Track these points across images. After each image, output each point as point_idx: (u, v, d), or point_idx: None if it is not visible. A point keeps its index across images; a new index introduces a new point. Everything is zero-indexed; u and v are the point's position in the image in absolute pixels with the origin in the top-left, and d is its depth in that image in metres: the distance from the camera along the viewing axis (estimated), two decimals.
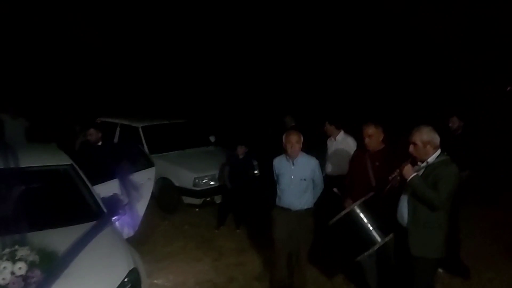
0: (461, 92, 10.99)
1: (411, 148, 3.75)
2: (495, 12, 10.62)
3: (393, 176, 3.84)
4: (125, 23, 15.03)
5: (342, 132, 6.33)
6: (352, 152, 5.50)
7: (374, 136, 4.55)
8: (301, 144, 4.65)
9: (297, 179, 4.63)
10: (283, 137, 4.68)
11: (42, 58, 14.64)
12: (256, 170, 7.52)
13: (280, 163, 4.78)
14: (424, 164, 3.72)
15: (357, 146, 5.80)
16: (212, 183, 7.57)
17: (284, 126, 8.25)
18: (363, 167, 4.63)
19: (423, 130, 3.69)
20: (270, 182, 5.10)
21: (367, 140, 4.57)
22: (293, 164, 4.65)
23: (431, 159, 3.69)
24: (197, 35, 14.89)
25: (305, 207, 4.67)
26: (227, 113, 11.34)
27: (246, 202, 6.79)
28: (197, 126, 9.44)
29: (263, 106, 12.37)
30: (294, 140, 4.57)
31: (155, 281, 5.16)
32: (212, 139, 9.10)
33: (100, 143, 6.07)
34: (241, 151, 6.85)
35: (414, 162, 3.78)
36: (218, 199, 7.60)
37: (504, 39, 10.55)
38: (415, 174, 3.64)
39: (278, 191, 4.79)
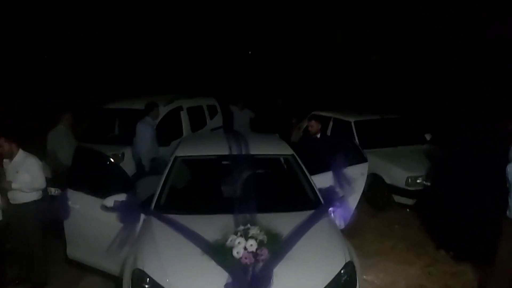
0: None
1: None
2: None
3: None
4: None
5: None
6: None
7: None
8: None
9: None
10: None
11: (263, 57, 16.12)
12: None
13: None
14: None
15: None
16: (426, 183, 7.13)
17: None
18: None
19: None
20: (495, 188, 4.56)
21: None
22: None
23: None
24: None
25: None
26: (446, 110, 10.56)
27: (466, 208, 6.15)
28: (411, 122, 8.98)
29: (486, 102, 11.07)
30: None
31: (364, 277, 5.12)
32: (427, 137, 8.54)
33: (318, 135, 6.32)
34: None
35: None
36: None
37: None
38: None
39: (510, 201, 4.22)
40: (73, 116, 6.81)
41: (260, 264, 3.29)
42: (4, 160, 4.79)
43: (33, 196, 4.78)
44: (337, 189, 4.90)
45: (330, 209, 4.49)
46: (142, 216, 4.23)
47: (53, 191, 6.26)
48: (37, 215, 4.81)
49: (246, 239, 3.39)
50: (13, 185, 4.63)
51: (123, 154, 7.06)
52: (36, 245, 4.88)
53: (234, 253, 3.31)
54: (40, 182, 4.79)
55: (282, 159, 5.18)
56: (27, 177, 4.69)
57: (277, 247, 3.42)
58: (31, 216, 4.78)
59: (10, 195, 4.70)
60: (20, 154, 4.76)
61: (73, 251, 4.93)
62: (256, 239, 3.38)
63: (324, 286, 3.29)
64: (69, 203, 4.72)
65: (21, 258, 5.00)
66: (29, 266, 4.98)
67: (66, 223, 4.81)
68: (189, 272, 3.31)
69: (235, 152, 4.71)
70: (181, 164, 4.83)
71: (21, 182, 4.65)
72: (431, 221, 6.53)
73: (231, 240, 3.40)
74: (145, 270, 3.36)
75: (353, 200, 5.52)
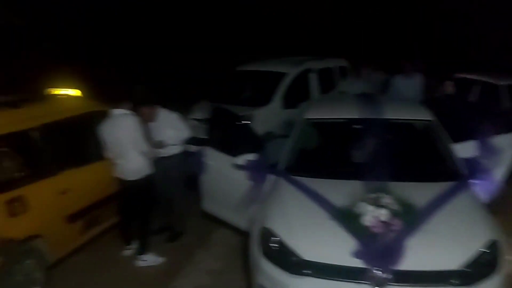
0: None
1: None
2: None
3: None
4: None
5: None
6: None
7: None
8: None
9: None
10: None
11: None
12: None
13: None
14: None
15: None
16: None
17: None
18: None
19: None
20: None
21: None
22: None
23: None
24: None
25: None
26: None
27: None
28: None
29: None
30: None
31: (507, 256, 4.63)
32: None
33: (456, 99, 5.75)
34: None
35: None
36: None
37: None
38: None
39: None
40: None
41: (392, 235, 3.12)
42: None
43: (177, 149, 5.17)
44: (482, 160, 4.41)
45: (472, 181, 4.08)
46: (271, 177, 4.30)
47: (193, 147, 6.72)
48: (180, 168, 5.21)
49: (377, 207, 3.24)
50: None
51: (252, 116, 7.20)
52: (178, 196, 5.30)
53: (364, 220, 3.19)
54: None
55: (419, 124, 4.81)
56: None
57: (411, 218, 3.21)
58: (175, 168, 5.18)
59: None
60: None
61: (207, 205, 5.26)
62: (389, 209, 3.21)
63: (460, 264, 3.02)
64: (205, 159, 5.01)
65: (163, 208, 5.46)
66: (169, 216, 5.45)
67: (202, 178, 5.13)
68: (317, 236, 3.28)
69: (367, 115, 4.50)
70: (310, 126, 4.77)
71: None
72: None
73: (360, 207, 3.27)
74: (274, 229, 3.42)
75: (499, 173, 4.96)
